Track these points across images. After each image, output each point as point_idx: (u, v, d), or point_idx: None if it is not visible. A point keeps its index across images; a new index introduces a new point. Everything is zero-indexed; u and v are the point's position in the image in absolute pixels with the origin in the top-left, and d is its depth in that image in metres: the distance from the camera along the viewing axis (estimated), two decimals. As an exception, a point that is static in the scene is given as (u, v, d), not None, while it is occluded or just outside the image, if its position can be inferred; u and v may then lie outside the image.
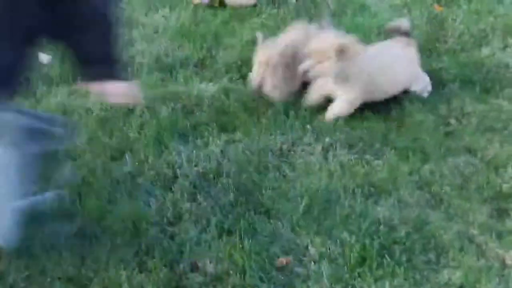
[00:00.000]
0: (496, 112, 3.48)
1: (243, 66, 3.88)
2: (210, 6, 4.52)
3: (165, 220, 2.82)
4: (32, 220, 2.62)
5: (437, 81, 3.72)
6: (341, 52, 3.31)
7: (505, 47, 4.07)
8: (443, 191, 2.96)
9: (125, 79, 2.36)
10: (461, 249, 2.66)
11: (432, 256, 2.63)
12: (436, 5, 4.54)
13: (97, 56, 2.26)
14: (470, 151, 3.22)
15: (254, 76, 3.60)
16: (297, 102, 3.57)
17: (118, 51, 2.30)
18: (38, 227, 2.68)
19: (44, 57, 3.80)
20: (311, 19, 4.28)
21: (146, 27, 4.34)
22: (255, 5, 4.58)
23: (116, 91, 2.35)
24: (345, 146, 3.27)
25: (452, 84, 3.70)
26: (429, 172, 3.08)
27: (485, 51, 4.02)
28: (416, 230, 2.73)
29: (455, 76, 3.76)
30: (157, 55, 3.99)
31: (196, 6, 4.57)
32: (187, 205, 2.89)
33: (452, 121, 3.44)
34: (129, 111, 3.44)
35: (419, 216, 2.81)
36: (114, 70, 2.32)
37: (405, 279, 2.52)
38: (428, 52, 4.02)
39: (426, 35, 4.20)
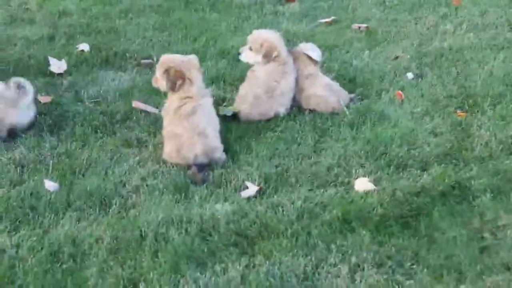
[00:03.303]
0: (533, 225, 3.49)
1: (261, 183, 3.92)
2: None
3: None
4: None
5: (467, 192, 3.75)
6: None
7: (536, 154, 4.11)
8: (483, 313, 2.93)
9: None
10: None
11: None
12: (459, 111, 4.61)
13: None
14: (508, 268, 3.20)
15: None
16: (317, 220, 3.58)
17: None
18: None
19: (51, 185, 3.85)
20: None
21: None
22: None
23: None
24: (373, 266, 3.27)
25: (483, 195, 3.71)
26: (467, 292, 3.05)
27: (515, 158, 4.06)
28: None
29: (485, 186, 3.78)
30: (170, 174, 4.03)
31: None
32: (207, 338, 2.86)
33: (487, 235, 3.44)
34: (142, 237, 3.46)
35: None
36: None
37: None
38: (455, 161, 4.06)
39: (451, 143, 4.25)
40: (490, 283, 3.10)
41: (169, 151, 4.13)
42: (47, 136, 4.35)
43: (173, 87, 4.17)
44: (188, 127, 4.10)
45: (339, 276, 3.21)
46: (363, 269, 3.25)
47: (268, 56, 4.65)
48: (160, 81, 4.26)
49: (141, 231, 3.51)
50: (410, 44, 5.72)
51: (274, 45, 4.66)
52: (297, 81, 4.74)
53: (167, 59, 4.27)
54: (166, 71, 4.19)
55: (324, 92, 4.72)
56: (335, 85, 4.83)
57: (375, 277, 3.19)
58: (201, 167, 4.03)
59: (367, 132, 4.40)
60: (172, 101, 4.22)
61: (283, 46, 4.73)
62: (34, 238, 3.42)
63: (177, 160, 4.10)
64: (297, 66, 4.77)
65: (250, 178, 3.96)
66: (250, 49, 4.76)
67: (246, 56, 4.81)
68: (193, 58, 4.29)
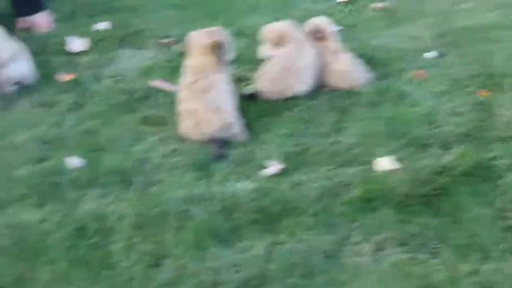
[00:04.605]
0: (558, 203, 3.49)
1: (282, 162, 3.92)
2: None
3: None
4: None
5: (489, 172, 3.74)
6: None
7: (559, 132, 4.10)
8: (507, 292, 2.94)
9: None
10: None
11: None
12: (480, 91, 4.59)
13: None
14: (533, 247, 3.21)
15: None
16: (339, 198, 3.60)
17: None
18: None
19: (74, 162, 3.88)
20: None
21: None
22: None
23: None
24: (396, 244, 3.27)
25: (505, 175, 3.71)
26: (491, 271, 3.05)
27: (538, 137, 4.05)
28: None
29: (508, 165, 3.78)
30: (191, 152, 4.04)
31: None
32: (232, 314, 2.89)
33: (510, 214, 3.44)
34: (164, 214, 3.48)
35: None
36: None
37: None
38: (476, 140, 4.05)
39: (472, 123, 4.23)
40: (513, 262, 3.12)
41: (185, 127, 4.15)
42: (68, 113, 4.37)
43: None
44: (204, 103, 4.11)
45: (362, 255, 3.23)
46: (386, 247, 3.25)
47: (278, 43, 4.65)
48: None
49: (163, 208, 3.53)
50: (431, 22, 5.69)
51: (282, 33, 4.67)
52: (321, 58, 4.73)
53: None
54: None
55: (348, 67, 4.72)
56: (358, 62, 4.83)
57: (399, 255, 3.19)
58: (219, 143, 4.04)
59: (387, 111, 4.39)
60: (187, 76, 4.24)
61: (294, 30, 4.71)
62: (59, 214, 3.45)
63: (194, 136, 4.11)
64: (323, 43, 4.76)
65: (270, 157, 3.97)
66: (264, 44, 4.80)
67: (263, 51, 4.82)
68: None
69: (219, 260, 3.19)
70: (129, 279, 3.06)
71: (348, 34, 5.49)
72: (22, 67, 4.78)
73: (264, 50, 4.80)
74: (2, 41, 4.75)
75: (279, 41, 4.67)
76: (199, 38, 4.29)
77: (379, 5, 6.08)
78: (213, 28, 4.38)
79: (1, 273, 3.10)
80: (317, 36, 4.76)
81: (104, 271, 3.11)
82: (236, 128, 4.16)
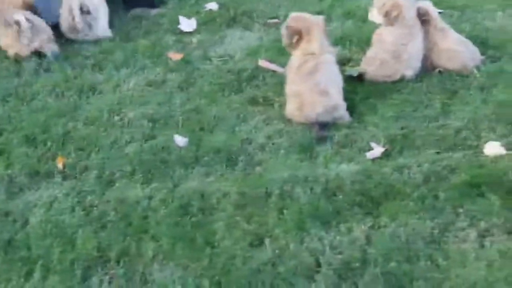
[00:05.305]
0: None
1: (386, 144, 3.86)
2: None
3: (308, 313, 2.80)
4: None
5: None
6: None
7: None
8: None
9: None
10: None
11: None
12: None
13: None
14: None
15: None
16: (445, 183, 3.50)
17: None
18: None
19: (181, 140, 3.94)
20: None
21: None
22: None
23: None
24: (504, 232, 3.16)
25: None
26: None
27: None
28: None
29: None
30: (296, 134, 4.03)
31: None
32: (332, 296, 2.85)
33: None
34: (267, 194, 3.48)
35: None
36: None
37: None
38: None
39: None
40: None
41: (291, 109, 4.14)
42: (177, 92, 4.44)
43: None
44: (310, 85, 4.08)
45: (467, 241, 3.13)
46: (493, 235, 3.15)
47: (388, 16, 4.52)
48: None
49: (266, 188, 3.52)
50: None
51: (396, 4, 4.52)
52: (428, 40, 4.60)
53: (292, 16, 4.30)
54: (286, 28, 4.25)
55: (458, 47, 4.57)
56: (469, 42, 4.66)
57: (506, 243, 3.08)
58: (323, 126, 4.01)
59: (499, 95, 4.24)
60: (294, 58, 4.22)
61: (409, 7, 4.56)
62: (165, 191, 3.51)
63: (299, 118, 4.09)
64: (428, 26, 4.61)
65: (375, 139, 3.91)
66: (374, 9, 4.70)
67: (372, 15, 4.74)
68: (318, 18, 4.29)
69: (320, 241, 3.17)
70: (231, 257, 3.09)
71: (460, 15, 5.34)
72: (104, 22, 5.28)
73: (373, 16, 4.72)
74: None
75: (389, 12, 4.52)
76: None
77: (493, -15, 5.85)
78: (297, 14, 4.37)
79: (107, 246, 3.18)
80: (423, 18, 4.62)
81: (207, 249, 3.14)
82: (340, 110, 4.12)
